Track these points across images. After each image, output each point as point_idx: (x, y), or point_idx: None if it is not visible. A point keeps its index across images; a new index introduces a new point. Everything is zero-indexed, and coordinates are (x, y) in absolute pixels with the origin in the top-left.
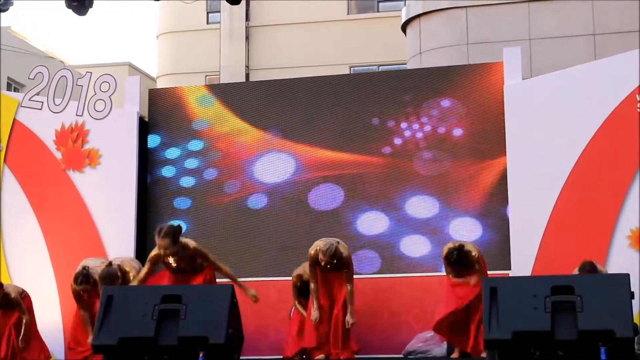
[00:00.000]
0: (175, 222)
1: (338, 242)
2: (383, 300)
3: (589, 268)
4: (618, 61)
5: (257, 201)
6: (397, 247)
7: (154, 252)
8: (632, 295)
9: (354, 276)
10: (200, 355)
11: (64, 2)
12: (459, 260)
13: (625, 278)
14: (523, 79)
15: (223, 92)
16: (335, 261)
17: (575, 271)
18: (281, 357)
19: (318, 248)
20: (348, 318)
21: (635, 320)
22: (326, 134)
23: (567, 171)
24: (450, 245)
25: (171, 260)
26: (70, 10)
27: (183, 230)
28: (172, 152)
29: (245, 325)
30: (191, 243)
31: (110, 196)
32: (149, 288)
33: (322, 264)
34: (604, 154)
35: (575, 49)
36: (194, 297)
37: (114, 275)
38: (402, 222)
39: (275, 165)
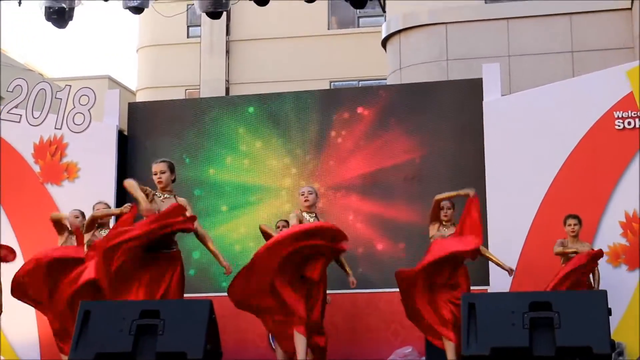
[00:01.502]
0: None
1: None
2: (361, 316)
3: None
4: (596, 78)
5: (239, 216)
6: (376, 262)
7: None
8: (609, 312)
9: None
10: None
11: (43, 14)
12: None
13: (602, 294)
14: (502, 95)
15: (203, 106)
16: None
17: None
18: None
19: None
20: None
21: (613, 337)
22: (302, 147)
23: (546, 187)
24: None
25: (160, 200)
26: (50, 23)
27: None
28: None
29: (223, 340)
30: (181, 199)
31: (88, 210)
32: (127, 303)
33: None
34: (582, 170)
35: (554, 65)
36: (172, 313)
37: None
38: (381, 236)
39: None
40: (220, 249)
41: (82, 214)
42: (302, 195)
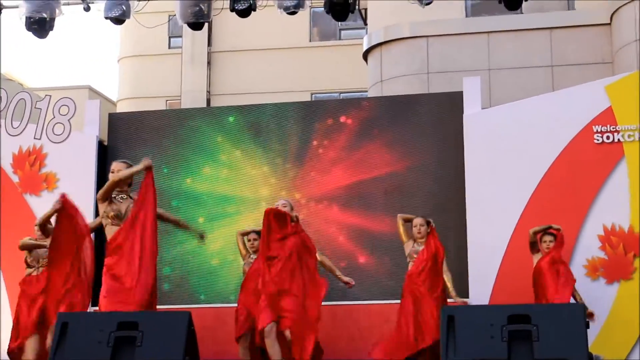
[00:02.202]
0: None
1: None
2: (341, 328)
3: None
4: (576, 93)
5: (218, 228)
6: (356, 274)
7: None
8: (587, 325)
9: None
10: None
11: (24, 24)
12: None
13: (580, 308)
14: (482, 108)
15: (183, 116)
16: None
17: None
18: None
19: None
20: None
21: (591, 350)
22: (278, 159)
23: (525, 200)
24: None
25: (118, 200)
26: (31, 33)
27: None
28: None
29: (202, 352)
30: None
31: None
32: (105, 314)
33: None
34: (561, 184)
35: (534, 79)
36: (151, 324)
37: None
38: (362, 248)
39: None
40: (196, 262)
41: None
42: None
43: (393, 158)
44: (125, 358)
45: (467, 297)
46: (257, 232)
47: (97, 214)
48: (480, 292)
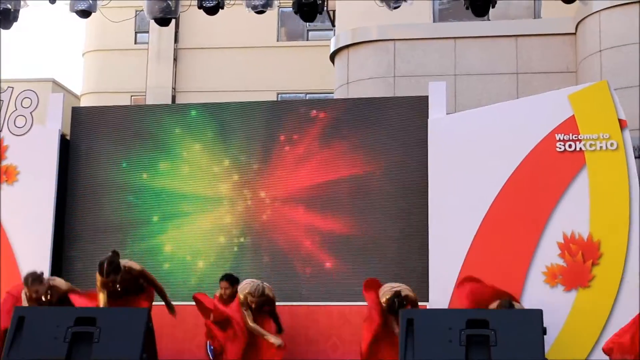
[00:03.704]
0: (108, 254)
1: (262, 282)
2: (300, 328)
3: (508, 305)
4: (540, 101)
5: (176, 224)
6: (317, 275)
7: (99, 280)
8: (544, 331)
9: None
10: None
11: None
12: (401, 306)
13: (538, 313)
14: (447, 113)
15: (147, 112)
16: (263, 299)
17: (493, 306)
18: None
19: (246, 292)
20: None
21: (547, 356)
22: (242, 157)
23: (487, 206)
24: (387, 295)
25: (118, 286)
26: None
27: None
28: (94, 172)
29: (160, 349)
30: (135, 266)
31: (27, 214)
32: (63, 310)
33: (253, 306)
34: (523, 191)
35: (499, 86)
36: (109, 320)
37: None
38: (325, 250)
39: (195, 189)
40: (147, 267)
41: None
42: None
43: (357, 160)
44: (82, 354)
45: (427, 301)
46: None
47: (57, 209)
48: (440, 296)
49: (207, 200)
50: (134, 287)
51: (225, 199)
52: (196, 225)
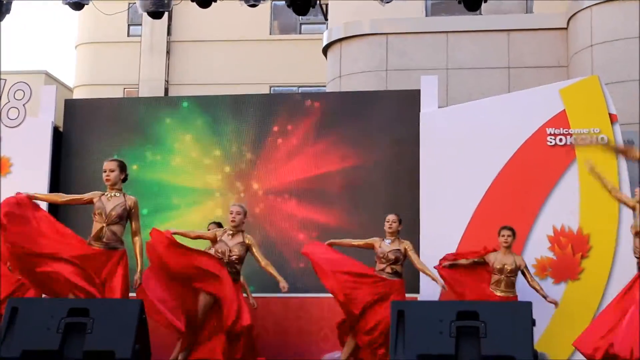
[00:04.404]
0: None
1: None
2: (293, 319)
3: None
4: (531, 95)
5: (166, 217)
6: (309, 268)
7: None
8: (533, 323)
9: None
10: None
11: None
12: None
13: (527, 306)
14: (439, 107)
15: (139, 105)
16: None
17: None
18: None
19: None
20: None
21: (536, 347)
22: (239, 150)
23: (478, 199)
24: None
25: (106, 198)
26: None
27: None
28: (86, 163)
29: (153, 341)
30: (134, 199)
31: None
32: (56, 301)
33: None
34: (513, 184)
35: (491, 80)
36: (102, 311)
37: None
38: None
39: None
40: (133, 260)
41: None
42: (231, 214)
43: (349, 153)
44: (75, 345)
45: (418, 292)
46: (215, 223)
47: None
48: (430, 288)
49: (199, 192)
50: (120, 213)
51: (217, 191)
52: (187, 217)
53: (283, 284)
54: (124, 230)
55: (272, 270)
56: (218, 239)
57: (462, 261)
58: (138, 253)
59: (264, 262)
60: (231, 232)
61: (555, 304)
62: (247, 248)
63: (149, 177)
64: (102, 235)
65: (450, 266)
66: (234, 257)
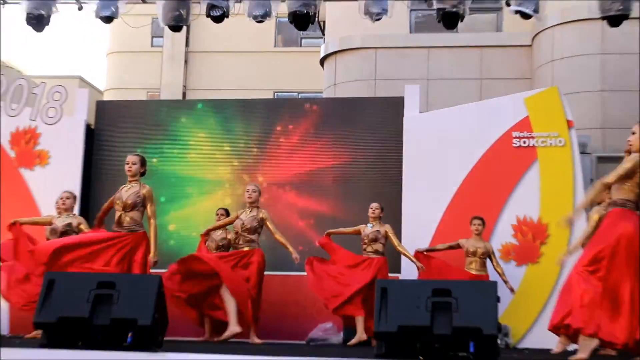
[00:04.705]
0: None
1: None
2: (290, 294)
3: None
4: (499, 103)
5: (181, 204)
6: (309, 251)
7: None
8: (498, 299)
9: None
10: (129, 335)
11: (24, 19)
12: None
13: (493, 285)
14: (420, 112)
15: (161, 106)
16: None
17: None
18: (198, 339)
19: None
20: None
21: (500, 320)
22: (246, 147)
23: (452, 192)
24: None
25: (125, 189)
26: (30, 27)
27: None
28: (113, 157)
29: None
30: (149, 188)
31: (57, 193)
32: (87, 275)
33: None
34: (483, 180)
35: (465, 89)
36: (126, 285)
37: None
38: (312, 227)
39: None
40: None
41: (74, 196)
42: (247, 192)
43: (342, 151)
44: (103, 313)
45: (400, 272)
46: (224, 209)
47: (83, 188)
48: (410, 269)
49: (210, 183)
50: (137, 201)
51: (227, 182)
52: (200, 205)
53: (295, 254)
54: (142, 216)
55: (284, 241)
56: (238, 217)
57: (439, 246)
58: (152, 235)
59: (277, 234)
60: (249, 208)
61: (512, 290)
62: (261, 221)
63: (167, 169)
64: (122, 221)
65: (427, 250)
66: (245, 228)
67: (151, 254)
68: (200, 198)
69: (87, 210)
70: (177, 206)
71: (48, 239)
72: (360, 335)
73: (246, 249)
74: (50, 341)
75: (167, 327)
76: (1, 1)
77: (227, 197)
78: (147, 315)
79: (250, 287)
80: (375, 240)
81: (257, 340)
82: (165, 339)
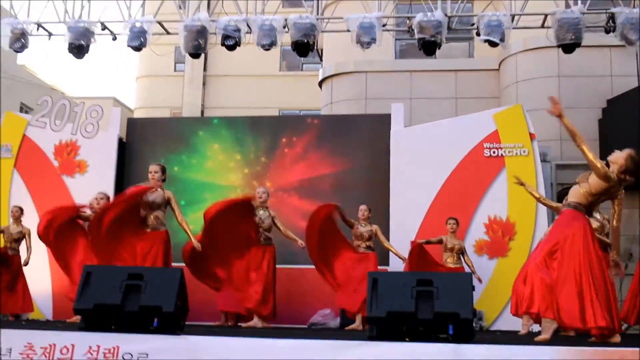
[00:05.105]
0: None
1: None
2: (294, 284)
3: None
4: (472, 118)
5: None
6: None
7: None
8: (473, 288)
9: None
10: (155, 320)
11: (67, 48)
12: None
13: (469, 276)
14: (405, 126)
15: (183, 123)
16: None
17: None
18: (214, 324)
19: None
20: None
21: (475, 306)
22: (256, 157)
23: (433, 195)
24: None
25: (150, 193)
26: (71, 55)
27: None
28: (142, 166)
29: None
30: (170, 193)
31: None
32: (119, 268)
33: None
34: (459, 184)
35: (443, 107)
36: (152, 276)
37: None
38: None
39: (214, 179)
40: (175, 241)
41: (107, 196)
42: (257, 193)
43: (337, 161)
44: (132, 300)
45: (388, 265)
46: None
47: (116, 191)
48: (398, 263)
49: (224, 188)
50: (160, 202)
51: (238, 188)
52: None
53: (300, 242)
54: (164, 215)
55: (291, 234)
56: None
57: (432, 240)
58: (187, 229)
59: (284, 229)
60: (260, 208)
61: (480, 280)
62: (273, 219)
63: (186, 176)
64: (147, 220)
65: (426, 242)
66: (264, 226)
67: (194, 242)
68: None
69: None
70: (196, 208)
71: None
72: (358, 325)
73: (265, 245)
74: (88, 325)
75: (187, 313)
76: (48, 34)
77: None
78: (171, 303)
79: (269, 280)
80: (369, 238)
81: (264, 325)
82: (187, 323)
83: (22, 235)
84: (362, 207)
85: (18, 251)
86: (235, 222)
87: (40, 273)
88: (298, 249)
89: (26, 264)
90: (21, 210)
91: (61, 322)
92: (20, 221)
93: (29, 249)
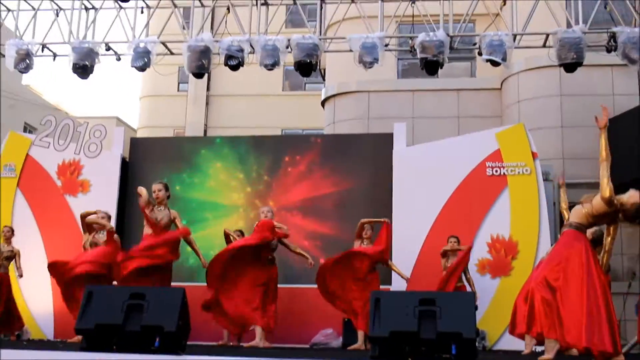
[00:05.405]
0: None
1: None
2: (296, 303)
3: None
4: (474, 137)
5: (200, 226)
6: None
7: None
8: (476, 308)
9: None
10: (157, 339)
11: (71, 68)
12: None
13: (471, 295)
14: (407, 146)
15: (186, 142)
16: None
17: None
18: (216, 343)
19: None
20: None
21: (478, 326)
22: (258, 176)
23: (435, 214)
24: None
25: (156, 212)
26: (76, 75)
27: None
28: (145, 185)
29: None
30: (175, 213)
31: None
32: (121, 288)
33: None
34: (461, 203)
35: (445, 126)
36: (155, 296)
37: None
38: (315, 246)
39: (216, 198)
40: (176, 262)
41: (109, 216)
42: (262, 213)
43: (340, 180)
44: (134, 321)
45: (390, 284)
46: (239, 231)
47: (119, 212)
48: (400, 282)
49: (226, 207)
50: (167, 221)
51: (241, 207)
52: (217, 228)
53: (310, 260)
54: None
55: (300, 250)
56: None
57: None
58: (196, 249)
59: (292, 246)
60: None
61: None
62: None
63: (188, 195)
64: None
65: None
66: (272, 246)
67: (203, 262)
68: (217, 221)
69: (122, 230)
70: (198, 228)
71: (85, 249)
72: (360, 345)
73: (269, 265)
74: (89, 345)
75: (189, 333)
76: (52, 54)
77: (240, 220)
78: (172, 323)
79: (268, 299)
80: None
81: (266, 344)
82: (188, 343)
83: (13, 255)
84: (366, 226)
85: (7, 270)
86: (247, 262)
87: (41, 292)
88: (302, 268)
89: (21, 275)
90: (12, 230)
91: (62, 342)
92: (11, 241)
93: (19, 269)
